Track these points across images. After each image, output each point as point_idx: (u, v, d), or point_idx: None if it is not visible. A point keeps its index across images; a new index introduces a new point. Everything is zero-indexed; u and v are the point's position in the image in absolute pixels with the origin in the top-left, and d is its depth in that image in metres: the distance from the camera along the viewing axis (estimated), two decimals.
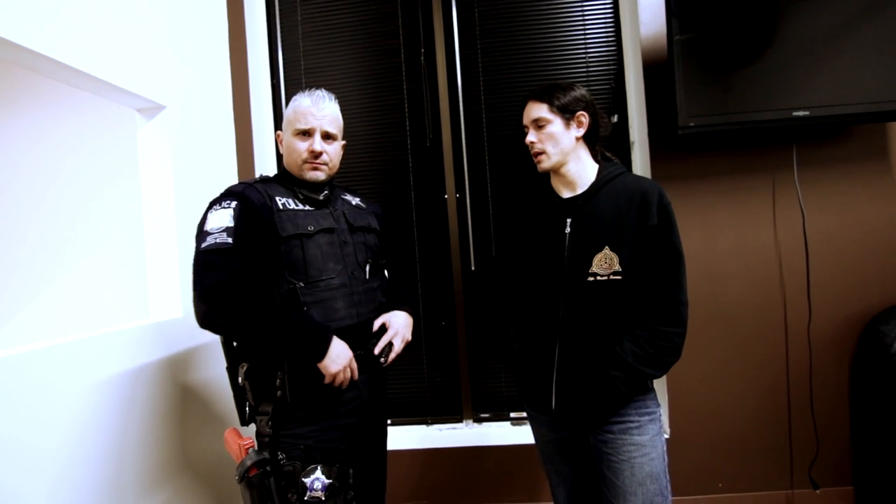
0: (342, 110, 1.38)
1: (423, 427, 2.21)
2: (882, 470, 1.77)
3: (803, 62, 1.73)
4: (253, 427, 1.26)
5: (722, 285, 1.94)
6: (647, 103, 1.96)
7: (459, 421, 2.21)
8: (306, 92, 1.33)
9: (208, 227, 1.16)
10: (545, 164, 1.26)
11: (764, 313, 1.93)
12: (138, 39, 1.60)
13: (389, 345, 1.29)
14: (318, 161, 1.29)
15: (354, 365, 1.21)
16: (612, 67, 2.11)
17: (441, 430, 2.19)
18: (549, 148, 1.24)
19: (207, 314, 1.13)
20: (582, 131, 1.26)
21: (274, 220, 1.20)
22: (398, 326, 1.32)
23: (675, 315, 1.17)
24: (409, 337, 1.34)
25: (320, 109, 1.29)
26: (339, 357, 1.17)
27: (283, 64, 2.26)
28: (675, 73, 1.76)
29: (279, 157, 2.20)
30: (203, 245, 1.13)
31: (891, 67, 1.71)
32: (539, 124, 1.25)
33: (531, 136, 1.27)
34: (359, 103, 2.22)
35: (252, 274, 1.14)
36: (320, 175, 1.30)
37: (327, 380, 1.17)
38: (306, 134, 1.28)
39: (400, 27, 2.20)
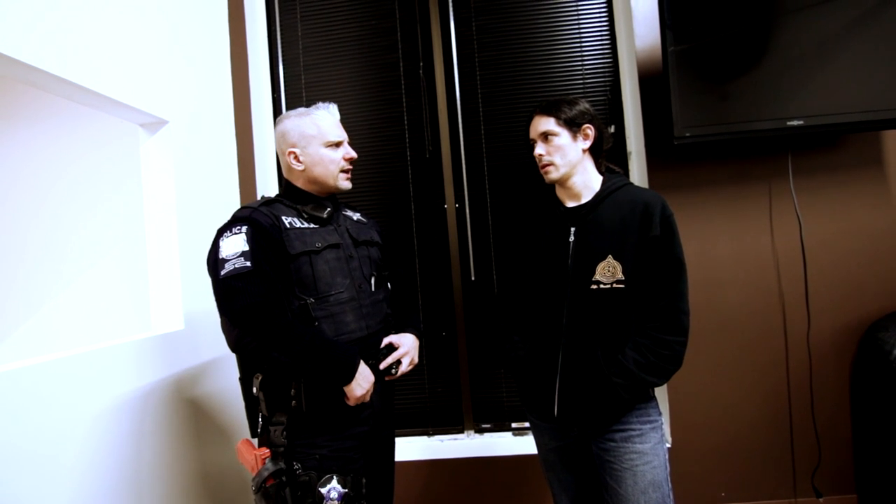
0: (343, 123, 1.41)
1: (425, 438, 2.20)
2: (885, 477, 1.77)
3: (797, 72, 1.76)
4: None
5: (721, 293, 1.95)
6: (644, 114, 1.99)
7: (461, 431, 2.21)
8: (313, 108, 1.36)
9: (223, 254, 1.17)
10: (553, 175, 1.29)
11: (763, 321, 1.94)
12: (141, 55, 1.63)
13: (397, 362, 1.32)
14: (350, 168, 1.37)
15: (373, 388, 1.24)
16: (608, 79, 2.14)
17: (442, 440, 2.18)
18: (558, 160, 1.27)
19: (240, 338, 1.19)
20: (588, 143, 1.29)
21: (282, 238, 1.22)
22: (408, 347, 1.35)
23: (676, 324, 1.18)
24: (416, 360, 1.38)
25: (338, 120, 1.38)
26: (364, 380, 1.20)
27: (284, 78, 2.28)
28: (671, 83, 1.78)
29: (279, 175, 2.22)
30: (223, 272, 1.14)
31: (884, 76, 1.73)
32: (547, 137, 1.28)
33: (539, 149, 1.30)
34: (359, 116, 2.24)
35: (276, 295, 1.16)
36: (350, 184, 1.38)
37: (352, 402, 1.20)
38: (337, 145, 1.34)
39: (399, 41, 2.24)
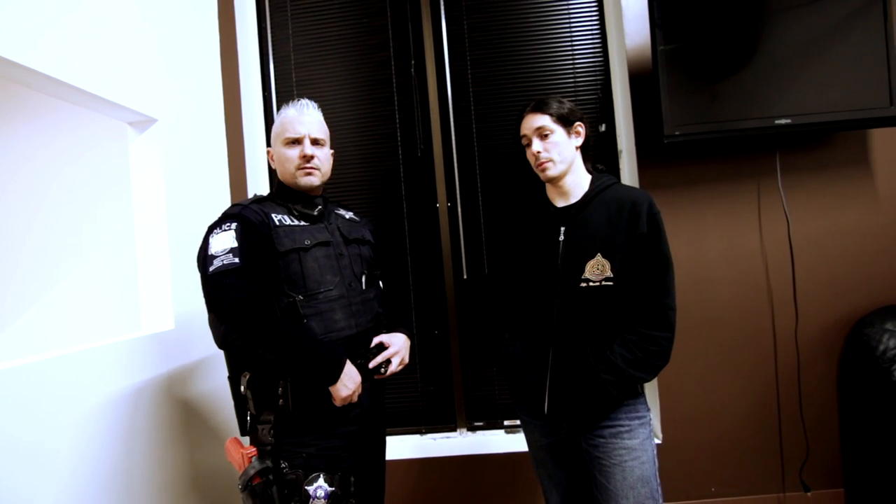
0: (334, 121, 1.41)
1: (417, 437, 2.21)
2: (872, 471, 1.80)
3: (785, 71, 1.78)
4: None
5: (710, 291, 1.96)
6: (634, 113, 1.99)
7: (453, 430, 2.21)
8: (290, 104, 1.36)
9: (212, 250, 1.17)
10: (551, 171, 1.28)
11: (752, 318, 1.96)
12: (129, 53, 1.61)
13: (387, 361, 1.32)
14: (310, 166, 1.31)
15: (360, 388, 1.24)
16: (599, 78, 2.15)
17: (435, 439, 2.18)
18: (556, 156, 1.28)
19: (227, 334, 1.18)
20: (580, 141, 1.31)
21: (272, 235, 1.22)
22: (398, 346, 1.35)
23: (663, 320, 1.20)
24: (407, 359, 1.38)
25: (305, 115, 1.34)
26: (350, 381, 1.20)
27: (275, 76, 2.27)
28: (660, 82, 1.79)
29: (271, 173, 2.21)
30: (211, 269, 1.14)
31: (870, 76, 1.76)
32: (543, 133, 1.28)
33: (537, 146, 1.29)
34: (350, 115, 2.24)
35: (265, 292, 1.16)
36: (314, 180, 1.32)
37: (338, 403, 1.19)
38: (296, 142, 1.31)
39: (390, 39, 2.23)
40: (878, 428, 1.74)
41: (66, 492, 1.21)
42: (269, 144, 1.87)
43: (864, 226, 1.92)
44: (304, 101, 1.36)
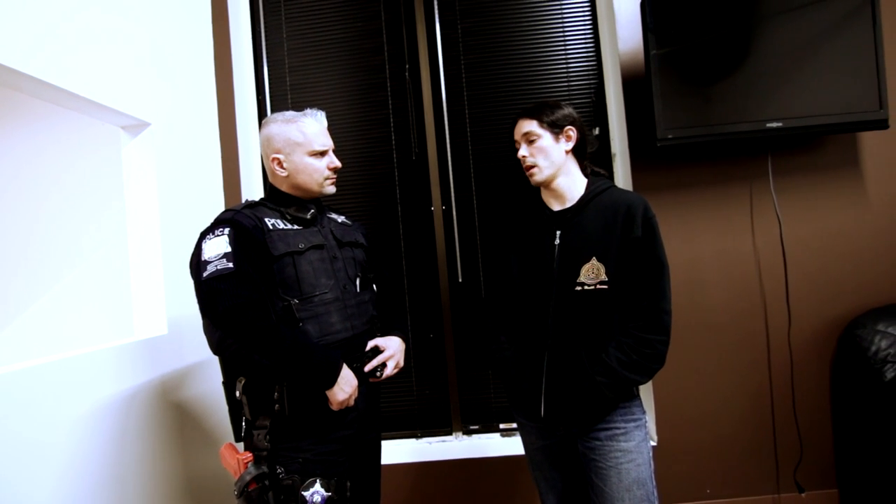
0: (328, 125, 1.41)
1: (413, 440, 2.20)
2: (865, 471, 1.81)
3: (776, 74, 1.79)
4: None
5: (704, 294, 1.97)
6: (627, 116, 2.00)
7: (449, 434, 2.21)
8: (301, 113, 1.36)
9: (206, 256, 1.16)
10: (538, 176, 1.30)
11: (745, 320, 1.97)
12: (122, 57, 1.61)
13: (382, 364, 1.32)
14: (335, 175, 1.38)
15: (357, 392, 1.24)
16: (592, 82, 2.17)
17: (431, 443, 2.18)
18: (541, 161, 1.29)
19: (222, 340, 1.18)
20: (571, 145, 1.31)
21: (265, 240, 1.22)
22: (394, 349, 1.35)
23: (657, 323, 1.20)
24: (402, 363, 1.38)
25: (325, 127, 1.38)
26: (347, 384, 1.20)
27: (269, 80, 2.27)
28: (653, 86, 1.81)
29: (265, 177, 2.20)
30: (205, 274, 1.13)
31: (860, 80, 1.78)
32: (530, 139, 1.30)
33: (523, 151, 1.31)
34: (345, 119, 2.24)
35: (260, 296, 1.15)
36: (334, 188, 1.39)
37: (334, 407, 1.19)
38: (322, 154, 1.34)
39: (384, 43, 2.24)
40: (870, 428, 1.75)
41: (58, 497, 1.20)
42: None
43: (856, 227, 1.94)
44: (320, 112, 1.38)
